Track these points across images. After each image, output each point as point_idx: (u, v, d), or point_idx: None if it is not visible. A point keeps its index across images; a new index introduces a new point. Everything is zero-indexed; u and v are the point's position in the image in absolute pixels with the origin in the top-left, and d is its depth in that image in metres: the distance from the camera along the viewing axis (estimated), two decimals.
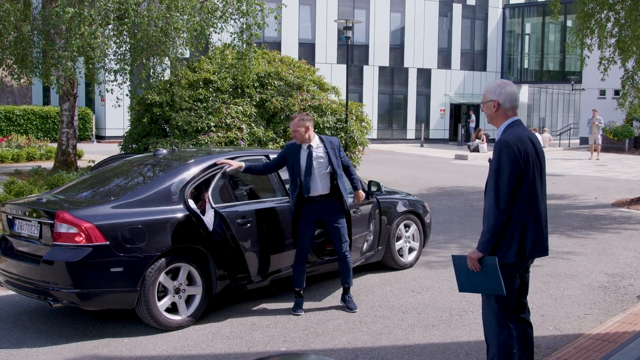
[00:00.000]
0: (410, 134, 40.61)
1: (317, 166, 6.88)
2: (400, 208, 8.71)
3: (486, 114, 4.68)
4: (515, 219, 4.41)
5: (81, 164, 19.25)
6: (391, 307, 7.11)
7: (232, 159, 7.21)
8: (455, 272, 4.69)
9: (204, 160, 7.06)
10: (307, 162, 6.86)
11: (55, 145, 23.97)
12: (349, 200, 7.26)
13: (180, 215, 6.43)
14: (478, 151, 30.24)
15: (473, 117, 40.49)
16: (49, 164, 19.91)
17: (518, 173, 4.35)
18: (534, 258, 4.58)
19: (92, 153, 24.32)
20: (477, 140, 31.41)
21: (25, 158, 22.29)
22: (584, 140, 35.72)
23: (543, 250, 4.55)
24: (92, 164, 19.02)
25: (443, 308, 7.06)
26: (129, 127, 17.94)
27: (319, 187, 6.90)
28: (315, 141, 7.00)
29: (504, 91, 4.55)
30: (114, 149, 23.66)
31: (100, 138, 34.17)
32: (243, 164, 6.95)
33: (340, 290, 7.33)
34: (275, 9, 16.66)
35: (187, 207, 6.52)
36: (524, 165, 4.38)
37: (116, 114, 32.95)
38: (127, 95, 17.23)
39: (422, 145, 36.06)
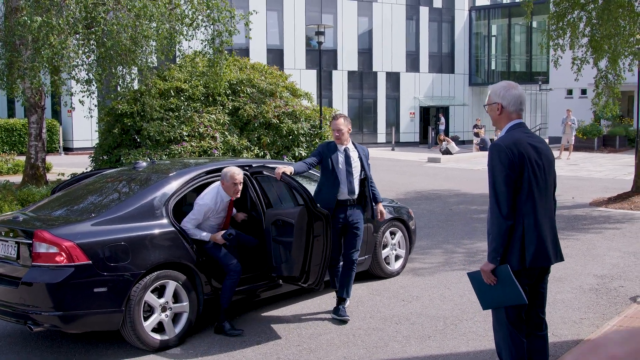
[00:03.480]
0: (381, 137, 40.61)
1: (353, 170, 6.90)
2: (386, 215, 8.53)
3: (490, 116, 4.53)
4: (515, 225, 4.25)
5: (50, 177, 18.80)
6: (383, 318, 6.93)
7: (213, 170, 6.98)
8: (474, 289, 4.49)
9: (186, 172, 6.84)
10: (346, 164, 6.84)
11: (22, 158, 23.42)
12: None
13: (164, 230, 6.19)
14: (450, 153, 30.32)
15: (442, 119, 40.58)
16: (17, 178, 19.42)
17: (514, 176, 4.20)
18: (538, 267, 4.35)
19: (60, 166, 23.85)
20: (443, 143, 31.59)
21: None
22: (553, 140, 36.00)
23: (546, 259, 4.33)
24: (62, 177, 18.60)
25: (436, 317, 6.90)
26: (99, 139, 17.56)
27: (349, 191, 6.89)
28: (350, 145, 7.02)
29: (508, 94, 4.39)
30: (83, 160, 23.18)
31: (67, 150, 33.56)
32: (292, 168, 6.72)
33: (331, 302, 7.12)
34: (246, 15, 16.42)
35: (171, 222, 6.29)
36: (519, 169, 4.22)
37: (83, 125, 32.37)
38: (95, 105, 16.85)
39: (393, 149, 36.03)
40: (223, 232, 6.63)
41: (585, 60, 15.44)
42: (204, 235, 6.53)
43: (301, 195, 6.48)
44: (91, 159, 17.03)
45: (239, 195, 6.70)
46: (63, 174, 19.01)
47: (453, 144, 31.41)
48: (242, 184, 6.66)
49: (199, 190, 7.20)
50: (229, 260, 6.46)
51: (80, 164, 22.38)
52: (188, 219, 6.54)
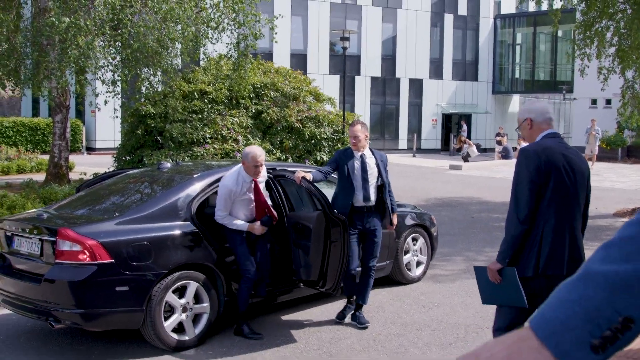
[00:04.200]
0: (402, 144, 40.50)
1: (369, 177, 6.83)
2: (408, 221, 8.52)
3: (524, 136, 4.57)
4: (535, 231, 4.22)
5: (73, 176, 18.95)
6: (404, 324, 6.89)
7: None
8: (478, 283, 4.57)
9: (210, 174, 6.84)
10: (362, 170, 6.78)
11: (45, 157, 23.63)
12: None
13: (187, 231, 6.19)
14: (470, 156, 30.35)
15: (464, 127, 40.40)
16: (40, 177, 19.57)
17: (538, 182, 4.18)
18: (552, 275, 4.26)
19: (83, 165, 24.03)
20: (465, 146, 31.58)
21: (15, 170, 21.95)
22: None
23: (559, 267, 4.25)
24: (85, 176, 18.73)
25: (458, 325, 6.84)
26: (122, 139, 17.68)
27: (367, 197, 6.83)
28: (367, 151, 6.94)
29: (534, 107, 4.50)
30: (105, 160, 23.34)
31: (90, 150, 33.83)
32: (311, 175, 6.65)
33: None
34: (271, 19, 16.45)
35: (194, 223, 6.29)
36: (545, 176, 4.18)
37: (106, 126, 32.62)
38: (119, 106, 16.98)
39: (414, 155, 35.91)
40: (259, 221, 6.48)
41: (612, 70, 15.31)
42: (241, 224, 6.38)
43: (319, 201, 6.46)
44: (114, 159, 17.14)
45: (259, 178, 6.47)
46: (85, 174, 19.14)
47: (474, 147, 31.42)
48: (263, 167, 6.46)
49: None
50: (248, 265, 6.36)
51: (103, 163, 22.53)
52: (217, 209, 6.39)
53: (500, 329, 4.47)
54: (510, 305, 4.36)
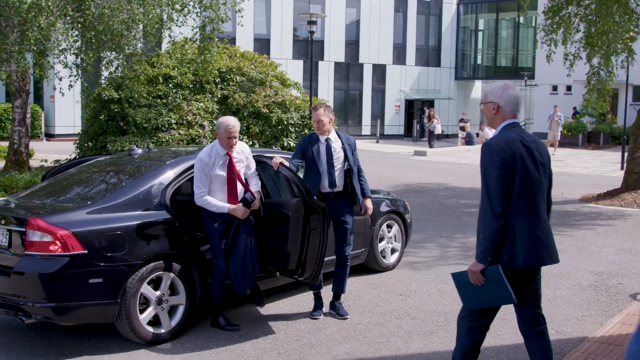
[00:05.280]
0: (366, 130, 40.47)
1: (334, 161, 6.61)
2: (383, 208, 8.40)
3: (485, 115, 4.51)
4: (506, 225, 4.19)
5: (33, 163, 18.47)
6: (383, 313, 6.79)
7: None
8: (458, 289, 4.42)
9: (184, 160, 6.62)
10: (327, 155, 6.57)
11: (3, 143, 23.03)
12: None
13: (162, 219, 5.98)
14: (434, 133, 30.90)
15: (427, 112, 40.54)
16: None
17: (506, 175, 4.15)
18: (530, 268, 4.26)
19: (43, 152, 23.48)
20: (434, 120, 31.99)
21: None
22: (538, 136, 36.00)
23: (539, 260, 4.24)
24: (45, 163, 18.28)
25: (437, 313, 6.77)
26: (84, 125, 17.26)
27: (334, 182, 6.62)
28: (333, 135, 6.72)
29: (505, 94, 4.37)
30: (65, 147, 22.86)
31: (49, 136, 33.05)
32: (287, 162, 6.46)
33: (328, 295, 6.96)
34: (238, 2, 16.13)
35: (169, 211, 6.08)
36: (511, 168, 4.17)
37: (66, 111, 31.97)
38: (83, 91, 16.54)
39: (377, 142, 35.88)
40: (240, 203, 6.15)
41: (577, 56, 15.37)
42: (221, 205, 6.04)
43: (298, 187, 6.30)
44: (76, 145, 16.74)
45: (232, 150, 6.15)
46: (46, 161, 18.70)
47: (439, 125, 32.05)
48: (237, 140, 6.15)
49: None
50: (218, 262, 6.13)
51: (63, 150, 22.06)
52: (195, 186, 6.08)
53: (466, 317, 4.39)
54: (499, 304, 4.31)
